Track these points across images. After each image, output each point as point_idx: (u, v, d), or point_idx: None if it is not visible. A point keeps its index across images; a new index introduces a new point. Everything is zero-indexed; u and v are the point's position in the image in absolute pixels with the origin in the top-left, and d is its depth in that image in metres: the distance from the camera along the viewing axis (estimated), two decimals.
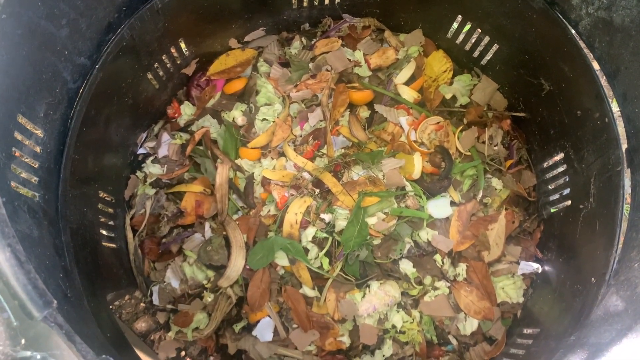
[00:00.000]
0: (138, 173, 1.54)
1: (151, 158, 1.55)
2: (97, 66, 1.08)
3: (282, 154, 1.51)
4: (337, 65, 1.57)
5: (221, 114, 1.57)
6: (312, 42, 1.63)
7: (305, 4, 1.55)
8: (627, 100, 1.02)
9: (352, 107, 1.57)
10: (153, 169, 1.54)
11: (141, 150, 1.56)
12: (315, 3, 1.55)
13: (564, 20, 1.11)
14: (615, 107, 1.08)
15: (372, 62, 1.59)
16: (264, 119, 1.55)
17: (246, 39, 1.62)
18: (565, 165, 1.34)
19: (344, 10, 1.59)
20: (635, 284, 0.87)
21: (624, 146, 1.04)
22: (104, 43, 1.08)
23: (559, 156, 1.36)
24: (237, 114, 1.57)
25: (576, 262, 1.23)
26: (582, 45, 1.10)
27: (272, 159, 1.51)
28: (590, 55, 1.10)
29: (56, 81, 0.97)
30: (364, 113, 1.56)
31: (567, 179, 1.33)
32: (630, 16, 0.91)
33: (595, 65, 1.10)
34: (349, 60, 1.59)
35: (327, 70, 1.58)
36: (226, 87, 1.60)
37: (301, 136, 1.53)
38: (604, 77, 1.08)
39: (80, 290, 1.01)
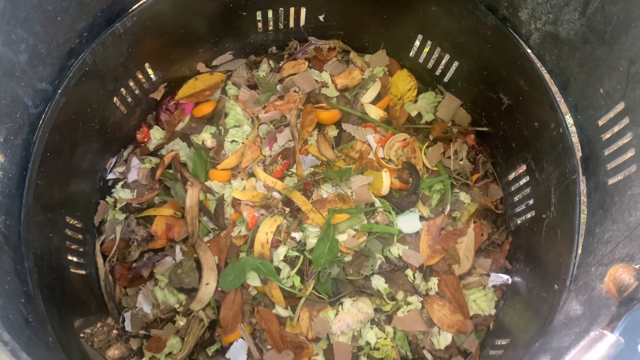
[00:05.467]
0: (108, 198, 1.53)
1: (121, 183, 1.55)
2: (59, 91, 1.08)
3: (252, 175, 1.53)
4: (304, 86, 1.60)
5: (190, 137, 1.58)
6: (280, 65, 1.66)
7: (271, 27, 1.58)
8: (579, 111, 1.05)
9: (320, 126, 1.59)
10: (123, 194, 1.53)
11: (111, 176, 1.56)
12: (281, 26, 1.59)
13: (515, 35, 1.15)
14: (569, 118, 1.11)
15: (339, 82, 1.62)
16: (233, 141, 1.56)
17: (214, 62, 1.64)
18: (528, 177, 1.37)
19: (309, 33, 1.63)
20: (592, 287, 0.88)
21: (579, 155, 1.07)
22: (66, 68, 1.09)
23: (522, 168, 1.39)
24: (206, 137, 1.58)
25: (541, 270, 1.25)
26: (535, 59, 1.14)
27: (242, 179, 1.52)
28: (542, 69, 1.14)
29: (16, 106, 0.98)
30: (332, 132, 1.59)
31: (531, 190, 1.36)
32: (574, 29, 0.95)
33: (548, 78, 1.13)
34: (316, 81, 1.62)
35: (295, 91, 1.60)
36: (195, 110, 1.62)
37: (270, 156, 1.54)
38: (557, 89, 1.11)
39: (45, 316, 0.99)
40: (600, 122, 0.98)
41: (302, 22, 1.58)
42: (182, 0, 1.29)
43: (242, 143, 1.55)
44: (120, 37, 1.18)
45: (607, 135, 0.96)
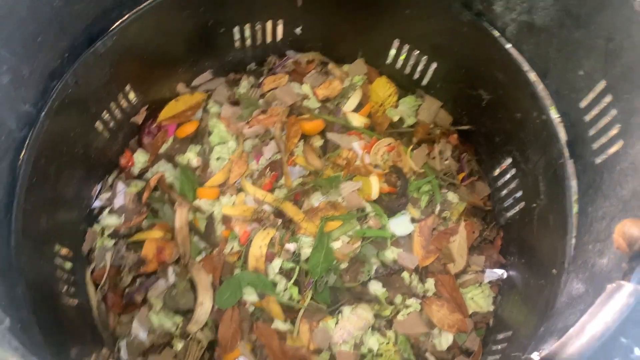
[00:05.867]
0: (95, 226, 1.51)
1: (107, 209, 1.52)
2: (42, 114, 1.07)
3: (240, 190, 1.52)
4: (286, 99, 1.61)
5: (175, 158, 1.58)
6: (260, 80, 1.67)
7: (248, 43, 1.60)
8: (560, 96, 1.08)
9: (305, 137, 1.60)
10: (110, 220, 1.51)
11: (96, 203, 1.53)
12: (259, 42, 1.60)
13: (492, 29, 1.18)
14: (551, 104, 1.14)
15: (320, 93, 1.64)
16: (219, 158, 1.56)
17: (194, 83, 1.64)
18: (514, 170, 1.39)
19: (287, 47, 1.65)
20: (592, 264, 0.90)
21: (564, 139, 1.10)
22: (49, 90, 1.08)
23: (507, 162, 1.42)
24: (191, 156, 1.57)
25: (537, 259, 1.26)
26: (513, 50, 1.17)
27: (231, 195, 1.51)
28: (521, 59, 1.17)
29: (1, 129, 0.96)
30: (318, 142, 1.59)
31: (518, 182, 1.38)
32: (550, 15, 0.98)
33: (527, 68, 1.16)
34: (297, 93, 1.63)
35: (277, 105, 1.61)
36: (178, 131, 1.61)
37: (258, 170, 1.54)
38: (537, 77, 1.14)
39: (42, 343, 0.96)
40: (583, 104, 1.00)
41: (280, 36, 1.60)
42: (160, 18, 1.29)
43: (228, 159, 1.55)
44: (101, 57, 1.18)
45: (591, 116, 0.99)
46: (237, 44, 1.57)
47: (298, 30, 1.56)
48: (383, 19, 1.44)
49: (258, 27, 1.53)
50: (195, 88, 1.65)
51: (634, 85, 0.83)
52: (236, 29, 1.50)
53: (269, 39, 1.60)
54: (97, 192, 1.54)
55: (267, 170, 1.52)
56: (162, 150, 1.59)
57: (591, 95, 0.97)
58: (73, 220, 1.42)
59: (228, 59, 1.63)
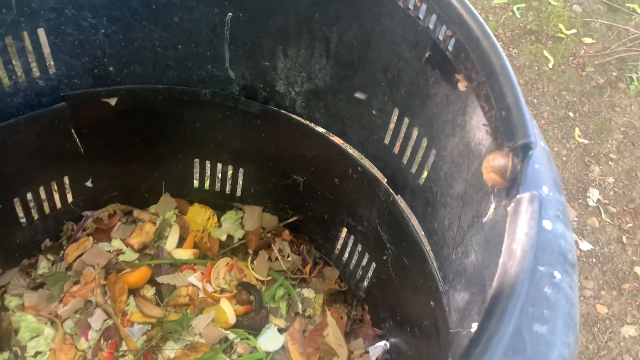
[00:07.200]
0: None
1: None
2: None
3: None
4: (97, 261, 1.44)
5: None
6: (61, 253, 1.47)
7: (36, 217, 1.41)
8: (365, 143, 1.14)
9: (133, 291, 1.42)
10: None
11: None
12: (48, 211, 1.42)
13: (282, 110, 1.22)
14: (361, 156, 1.20)
15: (134, 242, 1.50)
16: (37, 354, 1.28)
17: None
18: (352, 237, 1.40)
19: (82, 208, 1.50)
20: (464, 267, 0.90)
21: (385, 180, 1.15)
22: None
23: (343, 233, 1.43)
24: None
25: (411, 308, 1.24)
26: (308, 123, 1.23)
27: None
28: (317, 128, 1.23)
29: None
30: (149, 291, 1.43)
31: (361, 247, 1.39)
32: (329, 74, 1.06)
33: (324, 132, 1.22)
34: (109, 251, 1.47)
35: (90, 270, 1.42)
36: None
37: (90, 347, 1.30)
38: (338, 137, 1.20)
39: None
40: (387, 140, 1.07)
41: (70, 197, 1.45)
42: None
43: (49, 350, 1.28)
44: None
45: (398, 147, 1.05)
46: (23, 220, 1.38)
47: (89, 184, 1.43)
48: (175, 143, 1.40)
49: (41, 191, 1.36)
50: None
51: (420, 96, 0.91)
52: (16, 202, 1.32)
53: (59, 204, 1.43)
54: None
55: (102, 342, 1.29)
56: None
57: (391, 127, 1.04)
58: None
59: (15, 243, 1.41)
